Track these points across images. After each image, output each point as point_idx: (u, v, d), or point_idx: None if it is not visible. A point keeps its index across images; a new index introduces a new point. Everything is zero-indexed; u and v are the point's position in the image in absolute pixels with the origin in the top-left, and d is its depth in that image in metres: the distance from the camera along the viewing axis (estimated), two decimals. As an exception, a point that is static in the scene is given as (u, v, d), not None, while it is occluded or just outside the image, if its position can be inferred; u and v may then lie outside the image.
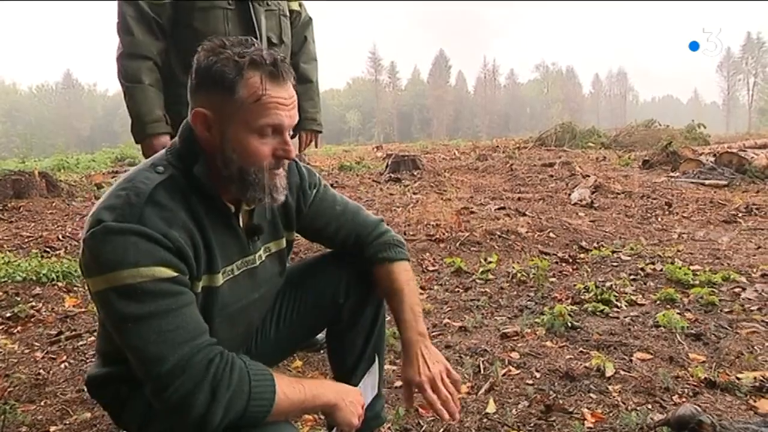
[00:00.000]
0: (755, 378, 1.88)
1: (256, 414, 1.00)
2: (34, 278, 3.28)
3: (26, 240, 4.43)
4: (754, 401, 1.77)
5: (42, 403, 1.96)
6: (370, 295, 1.42)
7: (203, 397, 0.96)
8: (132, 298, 0.95)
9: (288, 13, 2.24)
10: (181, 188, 1.06)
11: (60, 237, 4.53)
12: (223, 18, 1.97)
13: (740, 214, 5.35)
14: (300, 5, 2.35)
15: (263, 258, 1.24)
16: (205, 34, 1.90)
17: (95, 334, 2.59)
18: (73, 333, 2.62)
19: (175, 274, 0.99)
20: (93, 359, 2.34)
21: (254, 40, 1.08)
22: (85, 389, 1.29)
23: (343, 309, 1.41)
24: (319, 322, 1.47)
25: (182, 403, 0.96)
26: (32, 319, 2.81)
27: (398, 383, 1.99)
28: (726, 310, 2.64)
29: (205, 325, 1.03)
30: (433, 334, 2.50)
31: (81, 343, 2.53)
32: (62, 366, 2.29)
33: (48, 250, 4.14)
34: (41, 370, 2.23)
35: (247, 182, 1.07)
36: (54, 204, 5.97)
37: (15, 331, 2.68)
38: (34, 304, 3.00)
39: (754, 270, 3.30)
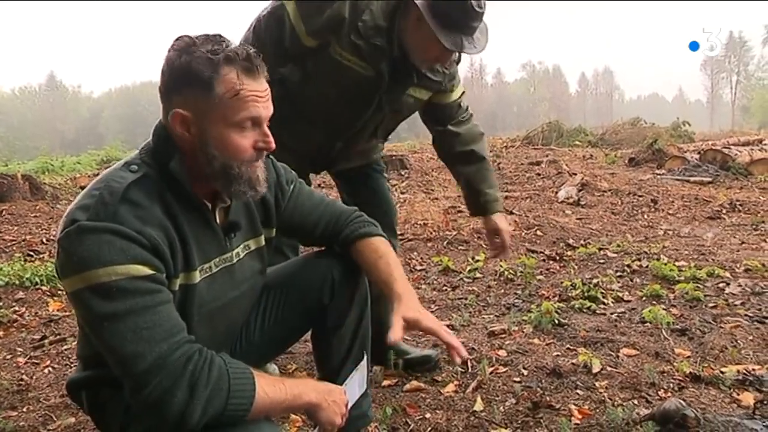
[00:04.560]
0: (738, 371, 1.90)
1: (236, 412, 0.99)
2: (17, 282, 3.23)
3: (9, 244, 4.36)
4: (738, 394, 1.79)
5: (24, 409, 1.93)
6: (355, 295, 1.42)
7: (181, 395, 0.95)
8: (107, 296, 0.95)
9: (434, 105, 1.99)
10: (156, 186, 1.05)
11: (44, 240, 4.47)
12: (346, 93, 1.76)
13: (724, 211, 5.42)
14: (460, 95, 2.05)
15: (241, 255, 1.23)
16: (313, 103, 1.77)
17: (79, 338, 2.57)
18: (57, 337, 2.59)
19: (151, 272, 0.99)
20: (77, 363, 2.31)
21: (223, 36, 1.07)
22: (67, 394, 1.27)
23: (328, 309, 1.40)
24: (305, 322, 1.46)
25: (160, 401, 0.95)
26: (15, 324, 2.76)
27: (386, 382, 1.99)
28: (711, 305, 2.67)
29: (182, 323, 1.02)
30: (421, 333, 2.50)
31: (65, 347, 2.49)
32: (46, 371, 2.26)
33: (31, 253, 4.08)
34: (24, 376, 2.19)
35: (231, 177, 1.08)
36: (38, 207, 5.87)
37: (-3, 336, 2.64)
38: (17, 308, 2.95)
39: (738, 265, 3.34)
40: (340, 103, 1.79)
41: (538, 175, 7.91)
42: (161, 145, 1.08)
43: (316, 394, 1.12)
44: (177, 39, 1.06)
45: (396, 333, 1.20)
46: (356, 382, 1.34)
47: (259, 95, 1.06)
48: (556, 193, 6.51)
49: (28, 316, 2.89)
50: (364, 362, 1.41)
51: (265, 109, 1.08)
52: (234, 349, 1.38)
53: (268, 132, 1.10)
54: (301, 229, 1.40)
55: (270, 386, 1.04)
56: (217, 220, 1.16)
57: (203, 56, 1.02)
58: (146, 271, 0.98)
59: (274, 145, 1.12)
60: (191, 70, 1.02)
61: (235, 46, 1.05)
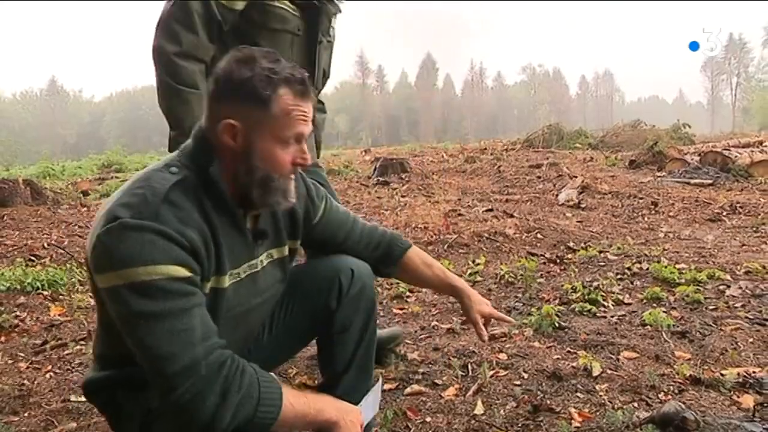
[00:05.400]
0: (739, 374, 1.90)
1: (263, 420, 1.01)
2: (19, 287, 3.24)
3: (10, 249, 4.37)
4: (738, 397, 1.79)
5: (26, 414, 1.93)
6: (362, 302, 1.43)
7: (213, 399, 0.97)
8: (146, 295, 0.96)
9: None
10: (194, 189, 1.08)
11: (45, 245, 4.48)
12: (290, 44, 1.88)
13: (725, 213, 5.42)
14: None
15: (265, 263, 1.26)
16: None
17: (81, 342, 2.57)
18: (59, 342, 2.59)
19: (189, 274, 1.00)
20: (79, 368, 2.31)
21: (278, 54, 1.12)
22: (83, 394, 1.27)
23: (335, 315, 1.41)
24: (312, 328, 1.47)
25: (192, 404, 0.96)
26: (16, 329, 2.77)
27: (387, 386, 1.99)
28: (711, 307, 2.67)
29: (214, 327, 1.04)
30: (421, 336, 2.50)
31: (66, 352, 2.49)
32: (47, 376, 2.26)
33: (33, 258, 4.09)
34: (25, 381, 2.19)
35: (270, 188, 1.13)
36: (39, 212, 5.89)
37: (-1, 341, 2.64)
38: (18, 313, 2.96)
39: (739, 267, 3.34)
40: (300, 53, 1.89)
41: (539, 177, 7.92)
42: (202, 149, 1.11)
43: (336, 412, 1.15)
44: (236, 50, 1.10)
45: (484, 332, 1.54)
46: (370, 404, 1.35)
47: (306, 115, 1.12)
48: (557, 195, 6.52)
49: (30, 321, 2.89)
50: (378, 385, 1.42)
51: (308, 127, 1.14)
52: (243, 352, 1.38)
53: (306, 149, 1.15)
54: (327, 245, 1.46)
55: (295, 398, 1.07)
56: (248, 227, 1.20)
57: (263, 74, 1.06)
58: (185, 272, 1.00)
59: (310, 161, 1.17)
60: (251, 85, 1.06)
61: (291, 67, 1.10)
